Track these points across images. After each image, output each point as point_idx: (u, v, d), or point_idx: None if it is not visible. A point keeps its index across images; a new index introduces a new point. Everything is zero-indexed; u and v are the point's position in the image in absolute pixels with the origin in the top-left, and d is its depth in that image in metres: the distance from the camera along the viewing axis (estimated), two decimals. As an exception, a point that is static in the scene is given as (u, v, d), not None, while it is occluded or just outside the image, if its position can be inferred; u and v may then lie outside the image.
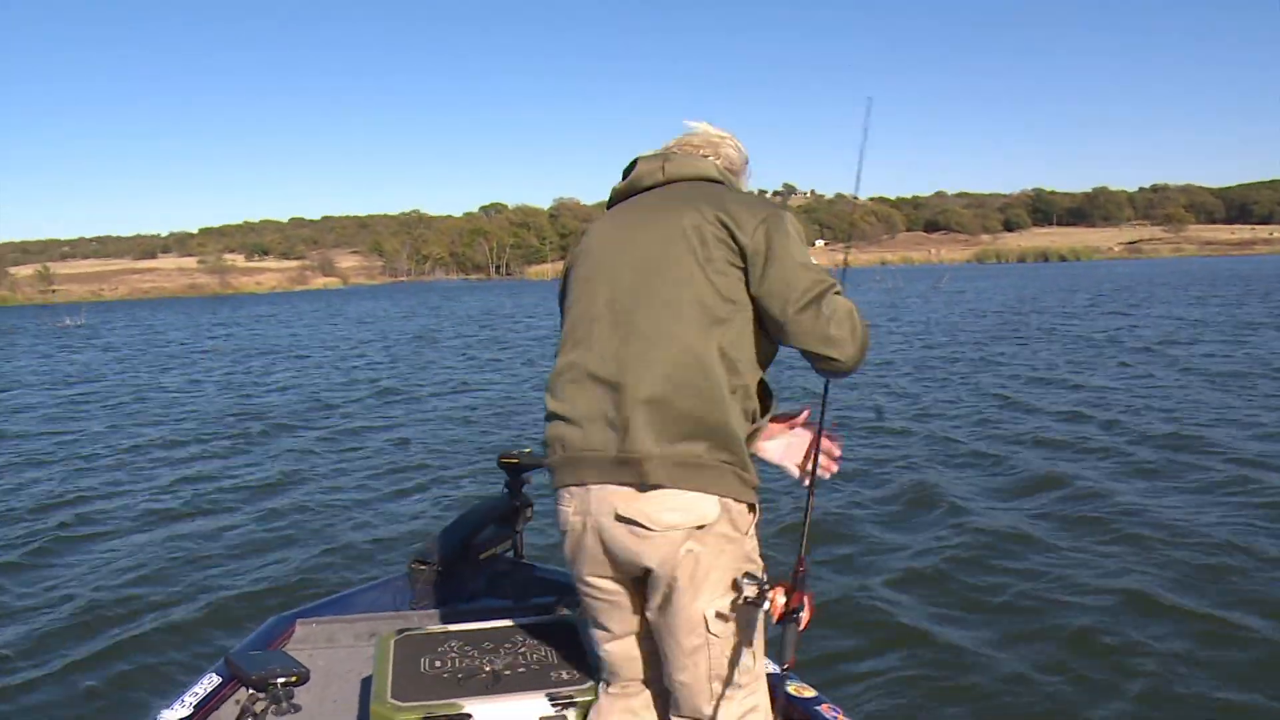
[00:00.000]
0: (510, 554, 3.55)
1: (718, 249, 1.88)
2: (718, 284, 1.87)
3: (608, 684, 2.15)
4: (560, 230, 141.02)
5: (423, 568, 3.35)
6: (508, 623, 2.47)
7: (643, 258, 1.93)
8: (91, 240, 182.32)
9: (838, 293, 1.88)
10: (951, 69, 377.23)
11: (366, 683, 2.73)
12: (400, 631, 2.42)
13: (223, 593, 5.49)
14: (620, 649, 2.06)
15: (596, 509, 1.88)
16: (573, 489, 1.92)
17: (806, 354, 1.89)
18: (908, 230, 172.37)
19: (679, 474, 1.82)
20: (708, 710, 1.92)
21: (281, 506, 7.49)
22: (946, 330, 22.82)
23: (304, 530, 6.77)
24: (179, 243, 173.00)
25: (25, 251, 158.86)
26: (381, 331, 31.32)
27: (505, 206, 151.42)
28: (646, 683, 2.09)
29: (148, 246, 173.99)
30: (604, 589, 1.99)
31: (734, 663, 1.89)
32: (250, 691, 2.48)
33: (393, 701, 2.10)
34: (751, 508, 1.94)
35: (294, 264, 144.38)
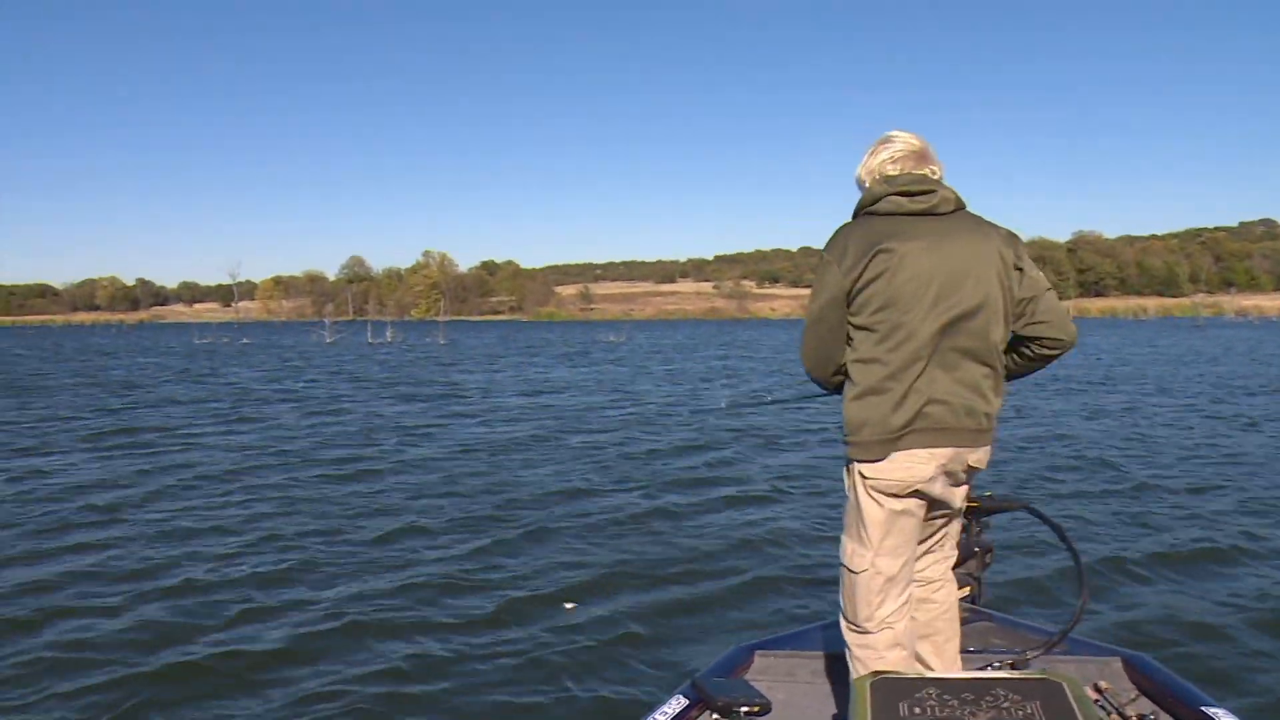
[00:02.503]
0: (969, 600, 3.43)
1: (1013, 270, 2.54)
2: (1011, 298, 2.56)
3: (883, 620, 2.55)
4: (1078, 265, 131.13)
5: None
6: (988, 674, 2.32)
7: (976, 278, 2.47)
8: (620, 264, 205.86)
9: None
10: None
11: None
12: (876, 674, 2.32)
13: (686, 615, 5.43)
14: (908, 566, 2.60)
15: (956, 463, 2.51)
16: (936, 450, 2.47)
17: (1042, 340, 2.59)
18: None
19: (992, 437, 2.57)
20: (949, 570, 2.79)
21: (750, 533, 7.27)
22: None
23: (768, 559, 6.50)
24: (695, 268, 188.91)
25: (566, 274, 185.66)
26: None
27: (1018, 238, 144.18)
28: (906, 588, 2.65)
29: (667, 271, 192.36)
30: (916, 520, 2.56)
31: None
32: (715, 717, 2.65)
33: None
34: None
35: (805, 291, 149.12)
